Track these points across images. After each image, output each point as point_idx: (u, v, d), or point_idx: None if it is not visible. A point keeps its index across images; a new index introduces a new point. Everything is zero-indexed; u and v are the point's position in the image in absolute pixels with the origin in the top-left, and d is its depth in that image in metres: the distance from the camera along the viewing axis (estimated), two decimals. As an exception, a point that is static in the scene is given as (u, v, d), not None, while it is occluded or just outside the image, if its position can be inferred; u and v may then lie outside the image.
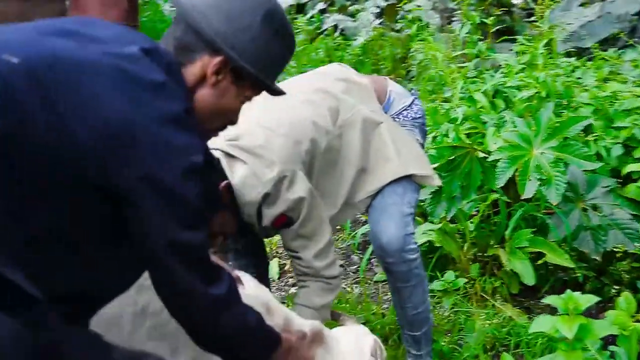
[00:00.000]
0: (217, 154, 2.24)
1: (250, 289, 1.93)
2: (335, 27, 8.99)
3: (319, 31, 9.05)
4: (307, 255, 2.32)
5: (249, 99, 1.69)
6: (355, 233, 3.86)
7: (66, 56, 1.33)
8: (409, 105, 2.63)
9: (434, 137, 3.79)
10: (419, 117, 2.65)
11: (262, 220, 2.27)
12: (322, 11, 9.95)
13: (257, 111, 2.33)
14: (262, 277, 2.78)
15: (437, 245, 3.37)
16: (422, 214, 3.61)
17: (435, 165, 3.20)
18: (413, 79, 6.99)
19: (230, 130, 2.28)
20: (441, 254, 3.39)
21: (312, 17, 9.82)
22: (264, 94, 2.44)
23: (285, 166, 2.23)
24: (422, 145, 2.67)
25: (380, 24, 8.79)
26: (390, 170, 2.46)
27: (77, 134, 1.29)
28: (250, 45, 1.56)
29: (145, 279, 1.62)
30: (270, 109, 2.35)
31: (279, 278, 3.63)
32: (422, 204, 3.57)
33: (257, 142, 2.25)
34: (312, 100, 2.40)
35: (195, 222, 1.47)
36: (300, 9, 10.44)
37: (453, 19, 7.73)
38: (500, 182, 3.07)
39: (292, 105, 2.36)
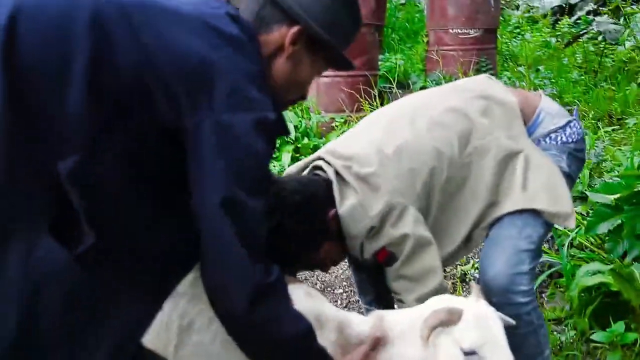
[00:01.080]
0: (330, 172, 2.12)
1: (300, 302, 1.81)
2: (600, 31, 8.15)
3: (579, 34, 8.28)
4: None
5: (321, 71, 1.66)
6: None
7: (155, 3, 1.39)
8: (562, 127, 2.27)
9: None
10: (572, 142, 2.28)
11: (364, 253, 2.10)
12: (592, 13, 9.09)
13: (378, 133, 2.25)
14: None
15: (614, 289, 2.85)
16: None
17: (617, 195, 2.72)
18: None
19: (346, 149, 2.22)
20: (619, 301, 2.87)
21: (578, 18, 9.03)
22: (388, 115, 2.29)
23: (394, 198, 2.05)
24: (571, 175, 2.28)
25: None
26: (511, 201, 2.15)
27: (158, 64, 1.32)
28: (324, 15, 1.56)
29: (199, 287, 1.58)
30: (392, 132, 2.21)
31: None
32: (606, 237, 3.07)
33: (370, 169, 2.09)
34: (441, 122, 2.18)
35: (256, 186, 1.40)
36: (569, 10, 9.66)
37: None
38: (693, 225, 2.49)
39: (416, 128, 2.18)
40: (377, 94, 5.71)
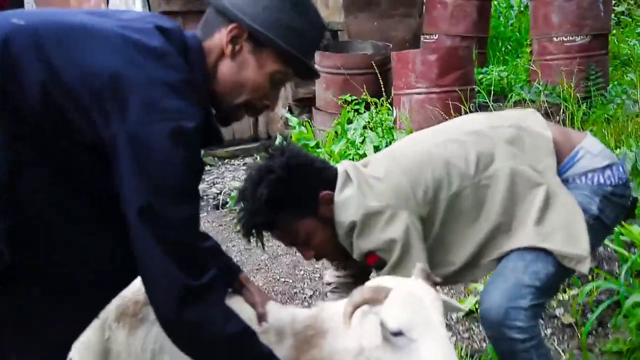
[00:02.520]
0: (340, 170, 2.21)
1: (272, 314, 1.91)
2: None
3: None
4: None
5: (279, 75, 1.65)
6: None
7: (77, 24, 1.48)
8: (601, 169, 2.17)
9: None
10: (609, 185, 2.17)
11: (354, 252, 2.14)
12: None
13: (404, 142, 2.40)
14: None
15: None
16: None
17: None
18: None
19: (370, 157, 2.38)
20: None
21: None
22: (426, 131, 2.29)
23: (389, 201, 2.09)
24: (601, 218, 2.16)
25: None
26: (523, 236, 2.09)
27: (67, 82, 1.40)
28: (263, 13, 1.57)
29: None
30: (414, 141, 2.33)
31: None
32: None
33: (376, 172, 2.18)
34: (461, 141, 2.20)
35: (177, 194, 1.45)
36: None
37: None
38: None
39: (435, 142, 2.23)
40: (468, 109, 5.56)
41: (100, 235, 1.53)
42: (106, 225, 1.52)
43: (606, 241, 3.25)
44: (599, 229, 2.17)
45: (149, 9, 6.74)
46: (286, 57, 1.61)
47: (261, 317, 1.89)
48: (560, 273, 2.12)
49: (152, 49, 1.47)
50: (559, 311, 3.24)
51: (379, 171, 2.17)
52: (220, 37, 1.59)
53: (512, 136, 2.18)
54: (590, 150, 2.21)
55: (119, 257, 1.54)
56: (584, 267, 2.07)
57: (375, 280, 1.77)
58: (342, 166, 2.23)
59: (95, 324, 2.01)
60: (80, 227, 1.50)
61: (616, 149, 4.80)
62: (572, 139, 2.25)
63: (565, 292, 3.41)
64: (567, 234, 2.07)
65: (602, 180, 2.16)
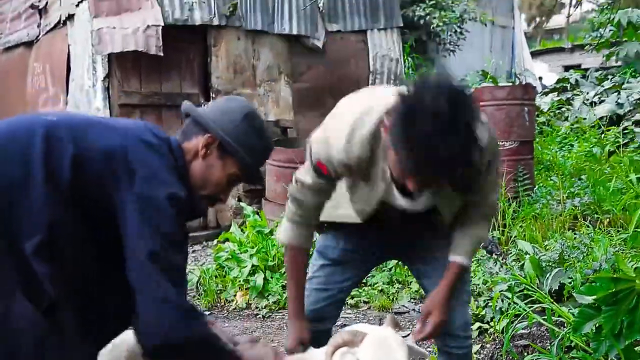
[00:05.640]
0: None
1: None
2: (644, 140, 8.26)
3: (623, 143, 8.41)
4: None
5: (234, 177, 2.12)
6: None
7: (97, 121, 2.00)
8: None
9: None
10: None
11: None
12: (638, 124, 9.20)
13: None
14: None
15: (598, 390, 2.95)
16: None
17: (594, 296, 2.88)
18: None
19: None
20: (606, 401, 2.95)
21: (625, 129, 9.15)
22: None
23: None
24: None
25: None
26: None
27: (91, 160, 1.84)
28: (234, 130, 2.06)
29: None
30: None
31: None
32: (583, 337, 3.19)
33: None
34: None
35: (174, 244, 1.86)
36: (617, 120, 9.81)
37: None
38: (661, 325, 2.61)
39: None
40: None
41: (111, 276, 1.89)
42: (115, 268, 1.86)
43: (541, 320, 3.64)
44: None
45: (109, 101, 7.07)
46: (243, 165, 2.09)
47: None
48: None
49: (149, 142, 1.95)
50: (498, 383, 3.56)
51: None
52: (196, 142, 2.07)
53: None
54: None
55: (120, 300, 1.88)
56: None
57: (352, 327, 2.08)
58: None
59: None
60: (99, 270, 1.88)
61: (544, 241, 5.31)
62: None
63: (503, 367, 3.74)
64: None
65: None
